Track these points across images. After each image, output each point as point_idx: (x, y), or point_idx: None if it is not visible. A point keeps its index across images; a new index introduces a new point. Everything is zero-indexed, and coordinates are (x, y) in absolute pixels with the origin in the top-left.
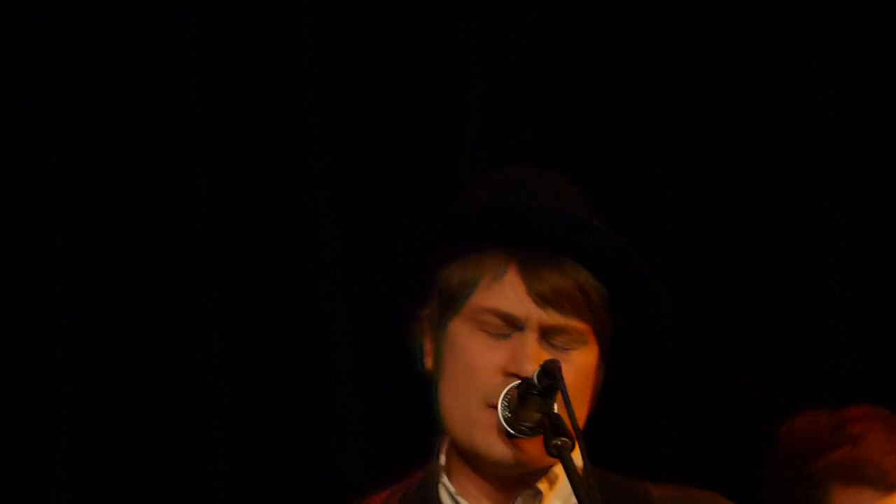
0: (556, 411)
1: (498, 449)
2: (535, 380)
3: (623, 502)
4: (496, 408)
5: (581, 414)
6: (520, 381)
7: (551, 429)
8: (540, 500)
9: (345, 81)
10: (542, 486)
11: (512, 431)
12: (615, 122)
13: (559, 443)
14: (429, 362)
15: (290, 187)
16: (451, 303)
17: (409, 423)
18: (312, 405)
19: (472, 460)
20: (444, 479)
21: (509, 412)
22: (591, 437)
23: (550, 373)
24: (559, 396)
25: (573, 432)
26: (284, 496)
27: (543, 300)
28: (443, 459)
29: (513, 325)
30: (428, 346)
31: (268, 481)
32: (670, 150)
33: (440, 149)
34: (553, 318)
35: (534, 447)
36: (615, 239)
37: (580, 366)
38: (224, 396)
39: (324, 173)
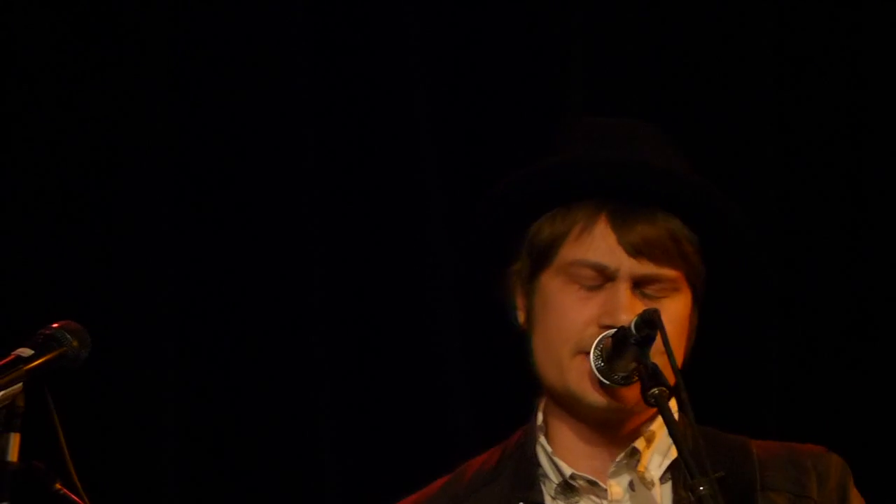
0: (652, 360)
1: (592, 395)
2: (633, 329)
3: (722, 454)
4: (588, 355)
5: (678, 360)
6: (615, 330)
7: (648, 378)
8: (638, 459)
9: (448, 33)
10: (640, 444)
11: (606, 381)
12: (720, 76)
13: (657, 392)
14: (521, 317)
15: (393, 143)
16: (542, 257)
17: (511, 384)
18: (417, 369)
19: (569, 411)
20: (542, 438)
21: (602, 361)
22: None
23: (650, 321)
24: (655, 346)
25: (673, 381)
26: (390, 460)
27: (634, 249)
28: (540, 419)
29: (604, 275)
30: (520, 301)
31: (374, 447)
32: (780, 109)
33: (544, 103)
34: (645, 267)
35: (630, 393)
36: (704, 186)
37: (674, 314)
38: (332, 360)
39: (427, 129)
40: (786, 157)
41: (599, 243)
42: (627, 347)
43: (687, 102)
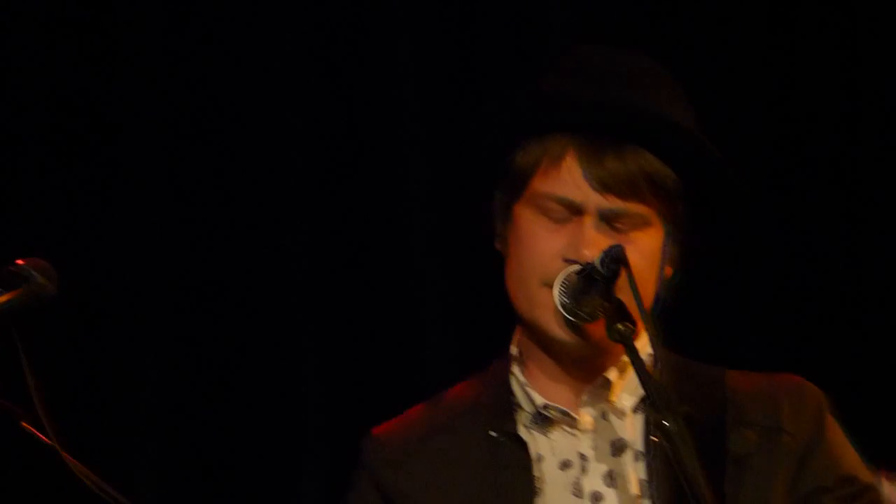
0: (617, 297)
1: (557, 329)
2: (599, 265)
3: (693, 388)
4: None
5: (647, 296)
6: (581, 267)
7: (613, 314)
8: (609, 390)
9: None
10: (612, 375)
11: (570, 318)
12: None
13: (622, 328)
14: (498, 243)
15: (375, 76)
16: (515, 187)
17: (491, 313)
18: (397, 299)
19: (539, 342)
20: (516, 369)
21: (567, 298)
22: (673, 321)
23: (616, 258)
24: (621, 282)
25: (638, 317)
26: (364, 391)
27: (601, 185)
28: (515, 350)
29: (571, 209)
30: (498, 227)
31: (348, 377)
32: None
33: (527, 32)
34: (612, 202)
35: (596, 329)
36: (681, 128)
37: (643, 248)
38: (312, 291)
39: (410, 60)
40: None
41: (566, 177)
42: (593, 284)
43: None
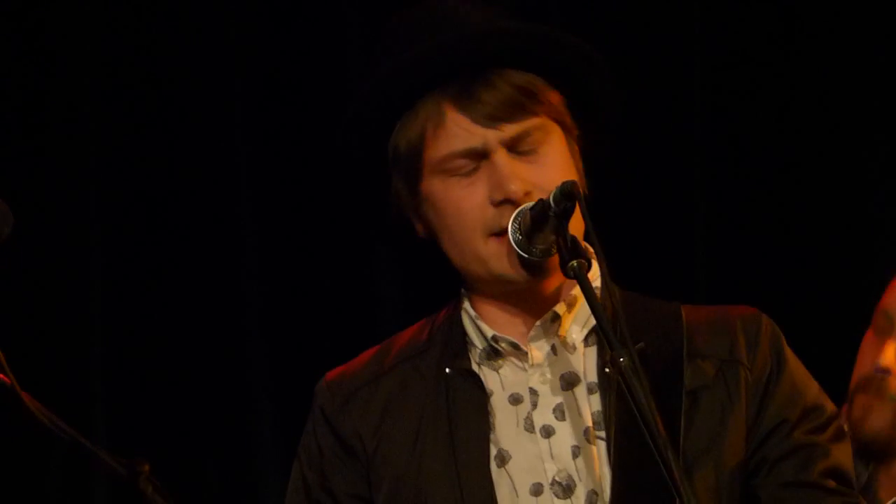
0: (571, 233)
1: (515, 273)
2: (552, 201)
3: (648, 323)
4: (505, 233)
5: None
6: (534, 204)
7: (567, 250)
8: (559, 324)
9: None
10: (560, 309)
11: (525, 255)
12: None
13: (576, 264)
14: (420, 229)
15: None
16: (411, 166)
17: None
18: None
19: (494, 289)
20: (467, 304)
21: (521, 235)
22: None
23: (569, 193)
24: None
25: (591, 253)
26: (316, 337)
27: (490, 119)
28: (464, 290)
29: (476, 156)
30: (412, 216)
31: (302, 323)
32: None
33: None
34: (507, 129)
35: (552, 266)
36: (522, 30)
37: (555, 156)
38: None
39: None
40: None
41: (455, 130)
42: (546, 220)
43: None
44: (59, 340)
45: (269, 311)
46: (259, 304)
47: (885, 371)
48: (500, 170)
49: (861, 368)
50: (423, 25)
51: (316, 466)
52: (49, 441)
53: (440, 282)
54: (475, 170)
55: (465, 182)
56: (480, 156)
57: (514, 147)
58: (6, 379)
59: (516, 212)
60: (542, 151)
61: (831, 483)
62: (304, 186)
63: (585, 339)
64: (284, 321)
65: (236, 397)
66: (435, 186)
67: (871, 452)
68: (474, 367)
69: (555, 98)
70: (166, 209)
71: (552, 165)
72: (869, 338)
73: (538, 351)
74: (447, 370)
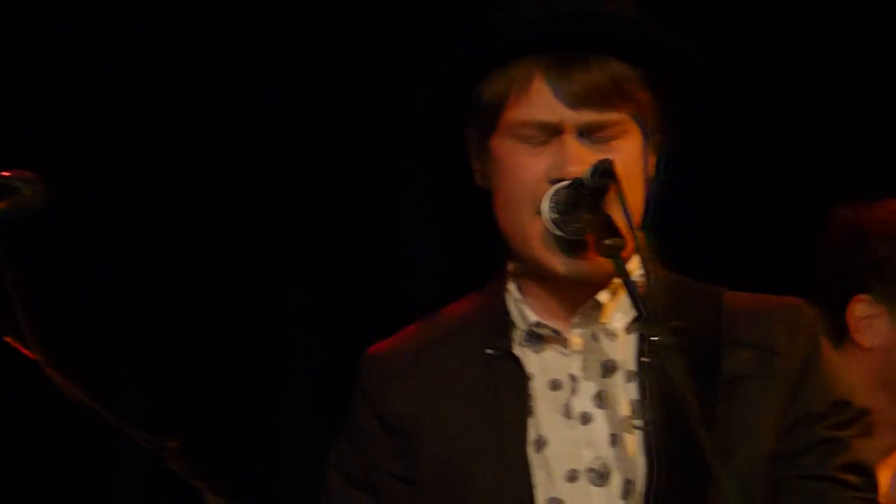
0: (606, 212)
1: (556, 259)
2: (587, 179)
3: (688, 306)
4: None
5: (637, 203)
6: (569, 182)
7: (602, 228)
8: (600, 312)
9: None
10: (603, 297)
11: (559, 233)
12: None
13: (610, 243)
14: (479, 180)
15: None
16: (488, 120)
17: (478, 246)
18: (383, 234)
19: (534, 271)
20: (511, 285)
21: (556, 213)
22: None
23: (604, 171)
24: (610, 198)
25: (628, 232)
26: (354, 319)
27: (574, 99)
28: (511, 266)
29: (549, 131)
30: (476, 164)
31: (339, 307)
32: None
33: None
34: (586, 115)
35: (591, 259)
36: (637, 24)
37: (625, 156)
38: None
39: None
40: None
41: (538, 100)
42: (582, 199)
43: None
44: (94, 316)
45: (304, 288)
46: (293, 280)
47: None
48: (566, 150)
49: None
50: None
51: (355, 441)
52: (79, 417)
53: (477, 254)
54: (545, 143)
55: (531, 151)
56: (553, 131)
57: (587, 133)
58: (33, 356)
59: (552, 190)
60: (614, 146)
61: (851, 478)
62: (332, 164)
63: (627, 328)
64: (320, 298)
65: (271, 376)
66: (504, 146)
67: None
68: (516, 349)
69: (644, 97)
70: (203, 181)
71: (619, 162)
72: None
73: (578, 337)
74: (489, 351)
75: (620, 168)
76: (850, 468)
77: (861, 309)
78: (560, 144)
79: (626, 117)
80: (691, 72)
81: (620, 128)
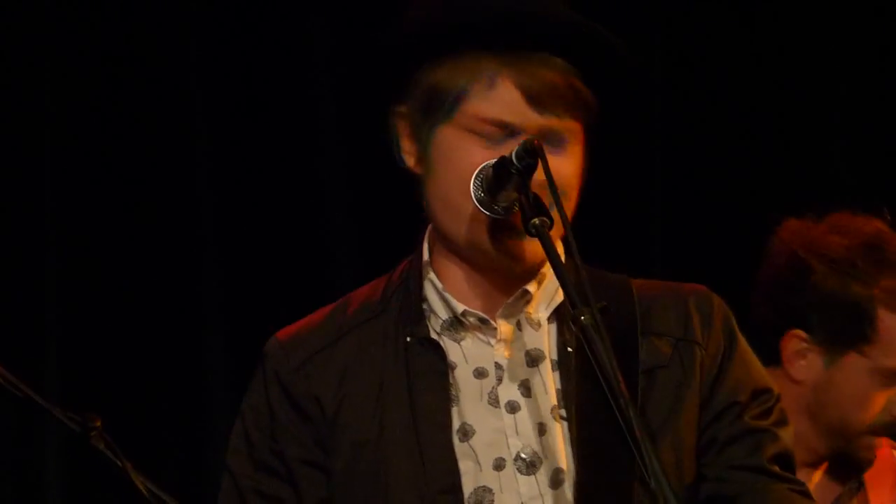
0: (534, 191)
1: (485, 241)
2: (514, 158)
3: (605, 292)
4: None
5: (570, 207)
6: (496, 160)
7: (529, 207)
8: (528, 300)
9: None
10: (531, 287)
11: (486, 212)
12: None
13: (537, 221)
14: (410, 161)
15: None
16: (439, 107)
17: (393, 217)
18: (300, 205)
19: (461, 254)
20: (431, 274)
21: (483, 192)
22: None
23: (531, 150)
24: (536, 178)
25: (556, 213)
26: (272, 297)
27: (540, 106)
28: (426, 254)
29: (508, 131)
30: (407, 144)
31: (257, 283)
32: None
33: None
34: (549, 121)
35: (531, 245)
36: (594, 28)
37: (576, 160)
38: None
39: None
40: None
41: (504, 100)
42: (509, 177)
43: None
44: (10, 295)
45: (223, 267)
46: (213, 258)
47: None
48: None
49: None
50: None
51: (265, 427)
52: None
53: (396, 234)
54: (499, 141)
55: (484, 145)
56: (512, 133)
57: (545, 137)
58: (119, 463)
59: (478, 168)
60: (569, 151)
61: (776, 468)
62: (258, 137)
63: (549, 318)
64: (238, 275)
65: (189, 354)
66: (457, 137)
67: None
68: (434, 335)
69: (592, 102)
70: (122, 161)
71: (570, 165)
72: None
73: (507, 326)
74: (408, 338)
75: (572, 172)
76: (777, 458)
77: (796, 344)
78: (515, 144)
79: (579, 127)
80: (631, 72)
81: (572, 134)
